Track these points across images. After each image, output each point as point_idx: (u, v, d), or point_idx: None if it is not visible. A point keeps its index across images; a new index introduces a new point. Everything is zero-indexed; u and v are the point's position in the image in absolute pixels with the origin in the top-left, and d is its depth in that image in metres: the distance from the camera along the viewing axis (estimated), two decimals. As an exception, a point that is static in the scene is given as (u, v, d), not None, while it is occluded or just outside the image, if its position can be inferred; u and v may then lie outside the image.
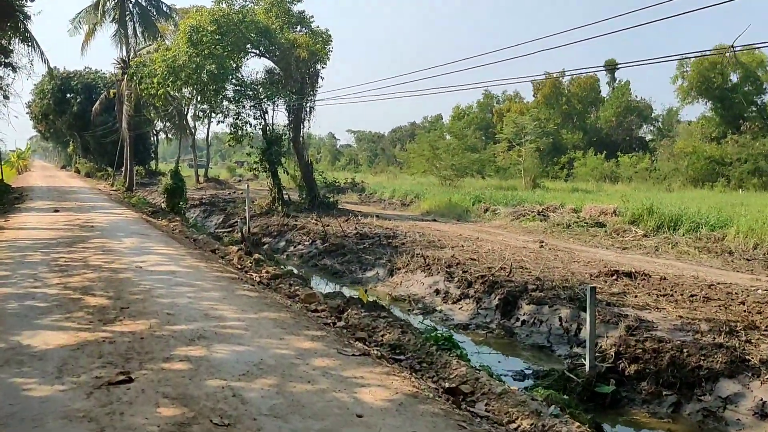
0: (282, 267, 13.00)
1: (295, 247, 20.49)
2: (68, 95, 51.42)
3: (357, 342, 6.83)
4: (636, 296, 10.66)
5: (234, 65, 26.53)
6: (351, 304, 8.60)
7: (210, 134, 45.77)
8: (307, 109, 27.43)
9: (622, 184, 48.22)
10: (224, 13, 25.67)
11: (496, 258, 15.14)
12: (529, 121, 46.87)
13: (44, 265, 10.00)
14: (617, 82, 75.08)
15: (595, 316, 6.95)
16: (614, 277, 12.28)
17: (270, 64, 28.00)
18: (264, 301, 8.34)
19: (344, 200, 31.62)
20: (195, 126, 44.36)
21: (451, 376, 6.07)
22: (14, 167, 59.63)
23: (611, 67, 69.47)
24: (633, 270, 12.55)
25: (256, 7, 27.61)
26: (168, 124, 43.93)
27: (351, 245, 18.60)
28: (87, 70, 53.00)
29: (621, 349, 7.68)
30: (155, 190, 43.66)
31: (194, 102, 28.16)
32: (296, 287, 10.10)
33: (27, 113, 55.23)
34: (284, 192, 27.91)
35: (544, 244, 17.85)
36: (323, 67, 27.76)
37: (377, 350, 6.61)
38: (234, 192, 41.15)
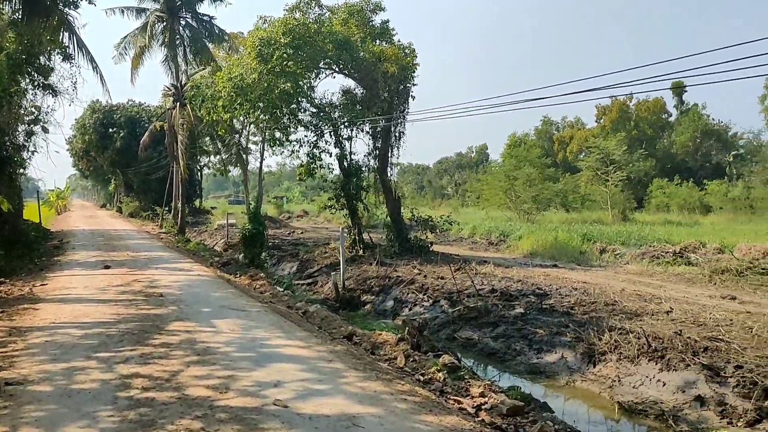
0: (496, 384, 8.06)
1: (410, 309, 15.66)
2: (111, 130, 47.81)
3: None
4: None
5: (307, 85, 22.33)
6: None
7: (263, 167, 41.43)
8: (397, 134, 22.89)
9: (714, 215, 43.76)
10: (299, 22, 21.54)
11: (745, 335, 10.34)
12: (616, 147, 41.72)
13: (109, 404, 5.35)
14: (685, 105, 69.88)
15: None
16: None
17: (349, 83, 23.72)
18: None
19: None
20: (247, 158, 40.12)
21: None
22: (53, 207, 56.43)
23: (679, 87, 64.48)
24: None
25: (333, 17, 23.45)
26: (223, 156, 39.73)
27: (496, 310, 13.78)
28: (130, 102, 49.56)
29: None
30: (204, 230, 39.32)
31: (261, 129, 23.85)
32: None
33: (67, 150, 51.80)
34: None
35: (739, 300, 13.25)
36: (414, 85, 23.32)
37: None
38: (293, 231, 36.67)
